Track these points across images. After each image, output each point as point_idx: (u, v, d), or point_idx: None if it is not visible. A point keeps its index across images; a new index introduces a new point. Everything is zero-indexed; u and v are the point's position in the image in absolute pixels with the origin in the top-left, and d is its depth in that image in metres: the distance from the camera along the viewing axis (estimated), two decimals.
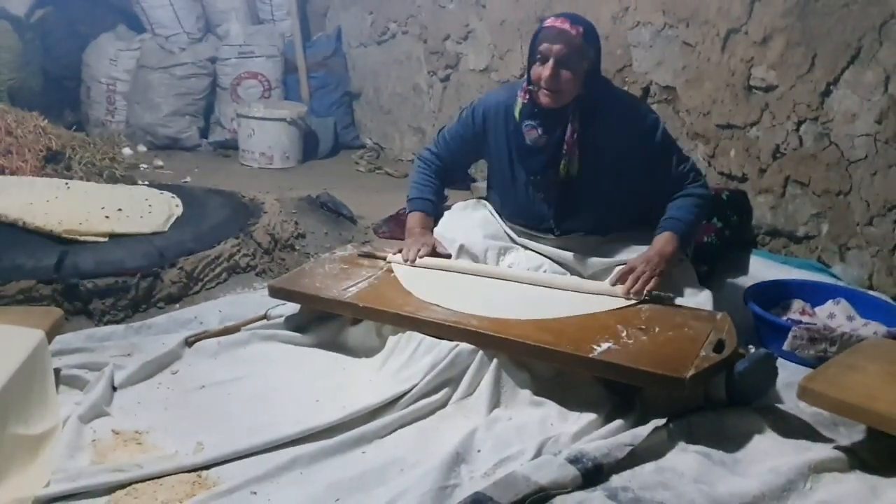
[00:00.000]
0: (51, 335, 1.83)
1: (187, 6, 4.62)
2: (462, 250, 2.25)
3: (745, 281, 2.48)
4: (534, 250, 2.26)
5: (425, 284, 2.11)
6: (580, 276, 2.20)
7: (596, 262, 2.19)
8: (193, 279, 2.48)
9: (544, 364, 1.86)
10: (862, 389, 1.63)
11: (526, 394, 1.82)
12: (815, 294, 2.35)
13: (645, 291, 1.97)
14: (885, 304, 2.29)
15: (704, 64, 2.82)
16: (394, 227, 3.03)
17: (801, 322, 2.18)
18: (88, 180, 3.22)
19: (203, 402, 1.86)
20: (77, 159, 3.38)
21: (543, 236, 2.27)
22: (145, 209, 2.68)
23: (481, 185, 2.99)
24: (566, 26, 2.01)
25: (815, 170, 2.56)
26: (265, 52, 4.59)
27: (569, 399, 1.80)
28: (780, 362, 1.92)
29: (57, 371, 1.86)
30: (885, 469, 1.59)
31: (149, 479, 1.53)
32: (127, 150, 4.10)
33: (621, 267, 2.06)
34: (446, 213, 2.40)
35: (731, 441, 1.68)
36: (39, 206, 2.55)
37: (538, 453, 1.62)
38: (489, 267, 2.20)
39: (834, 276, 2.52)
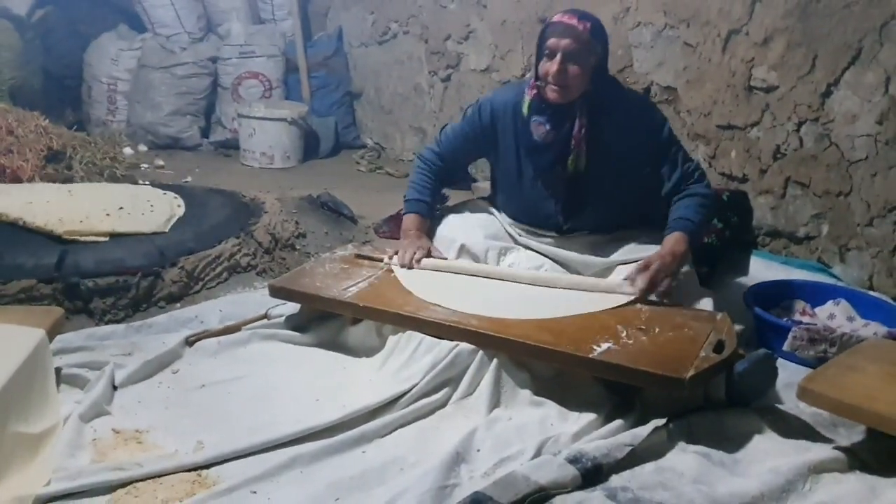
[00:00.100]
0: (51, 334, 1.83)
1: (188, 6, 4.62)
2: (463, 250, 2.25)
3: (746, 282, 2.47)
4: (535, 250, 2.26)
5: (425, 284, 2.11)
6: (581, 275, 2.20)
7: (597, 261, 2.20)
8: (194, 278, 2.48)
9: (544, 364, 1.86)
10: (862, 390, 1.63)
11: (526, 394, 1.82)
12: (816, 295, 2.35)
13: (661, 292, 1.96)
14: (886, 304, 2.29)
15: (705, 64, 2.82)
16: (394, 227, 3.03)
17: (801, 322, 2.18)
18: (89, 180, 3.23)
19: (203, 401, 1.87)
20: (78, 159, 3.38)
21: (547, 234, 2.27)
22: (147, 209, 2.68)
23: (482, 185, 2.99)
24: (573, 21, 2.03)
25: (815, 170, 2.56)
26: (266, 52, 4.59)
27: (569, 399, 1.80)
28: (780, 363, 1.92)
29: (58, 370, 1.86)
30: (885, 469, 1.59)
31: (149, 478, 1.53)
32: (128, 150, 4.11)
33: (637, 264, 2.03)
34: (448, 213, 2.40)
35: (731, 441, 1.68)
36: (40, 206, 2.55)
37: (538, 453, 1.62)
38: (489, 267, 2.20)
39: (834, 276, 2.52)
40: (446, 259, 2.23)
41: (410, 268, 2.19)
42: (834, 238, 2.56)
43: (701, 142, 2.91)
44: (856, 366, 1.73)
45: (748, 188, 2.76)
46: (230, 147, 4.49)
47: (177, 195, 2.90)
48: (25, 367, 1.61)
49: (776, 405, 1.83)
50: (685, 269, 2.07)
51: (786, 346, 2.05)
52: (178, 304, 2.42)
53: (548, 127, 2.12)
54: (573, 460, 1.53)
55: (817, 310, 2.31)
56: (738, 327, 1.99)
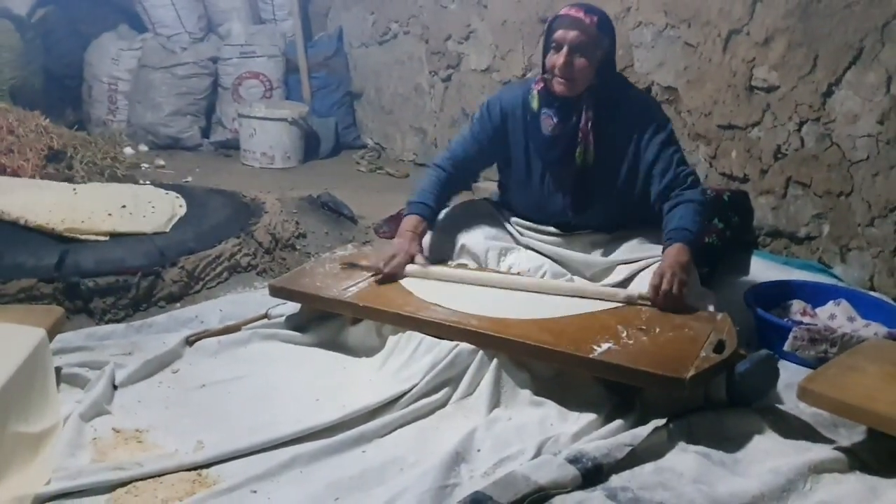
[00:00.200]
0: (52, 334, 1.83)
1: (189, 6, 4.62)
2: (463, 250, 2.24)
3: (747, 282, 2.47)
4: (536, 250, 2.26)
5: (425, 284, 2.11)
6: (581, 275, 2.20)
7: (598, 261, 2.20)
8: (194, 278, 2.48)
9: (544, 364, 1.86)
10: (862, 390, 1.63)
11: (526, 394, 1.82)
12: (816, 295, 2.34)
13: (675, 305, 1.93)
14: (886, 305, 2.29)
15: (706, 64, 2.82)
16: (394, 228, 3.00)
17: (801, 323, 2.18)
18: (90, 180, 3.23)
19: (203, 400, 1.87)
20: (78, 158, 3.38)
21: (550, 232, 2.27)
22: (149, 209, 2.68)
23: (482, 185, 2.98)
24: (580, 14, 2.04)
25: (816, 171, 2.56)
26: (267, 52, 4.59)
27: (569, 399, 1.80)
28: (781, 363, 1.92)
29: (58, 369, 1.86)
30: (885, 470, 1.59)
31: (149, 478, 1.53)
32: (128, 150, 4.10)
33: (648, 281, 1.99)
34: (448, 212, 2.39)
35: (731, 441, 1.68)
36: (41, 205, 2.55)
37: (538, 453, 1.62)
38: (488, 274, 2.17)
39: (835, 276, 2.52)
40: (427, 268, 2.17)
41: (385, 274, 2.12)
42: (835, 238, 2.55)
43: (702, 142, 2.91)
44: (856, 366, 1.73)
45: (749, 188, 2.76)
46: (230, 147, 4.49)
47: (178, 195, 2.91)
48: (26, 367, 1.61)
49: (776, 405, 1.83)
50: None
51: (786, 347, 2.05)
52: (179, 304, 2.42)
53: (555, 120, 2.13)
54: (573, 460, 1.53)
55: (818, 310, 2.31)
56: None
